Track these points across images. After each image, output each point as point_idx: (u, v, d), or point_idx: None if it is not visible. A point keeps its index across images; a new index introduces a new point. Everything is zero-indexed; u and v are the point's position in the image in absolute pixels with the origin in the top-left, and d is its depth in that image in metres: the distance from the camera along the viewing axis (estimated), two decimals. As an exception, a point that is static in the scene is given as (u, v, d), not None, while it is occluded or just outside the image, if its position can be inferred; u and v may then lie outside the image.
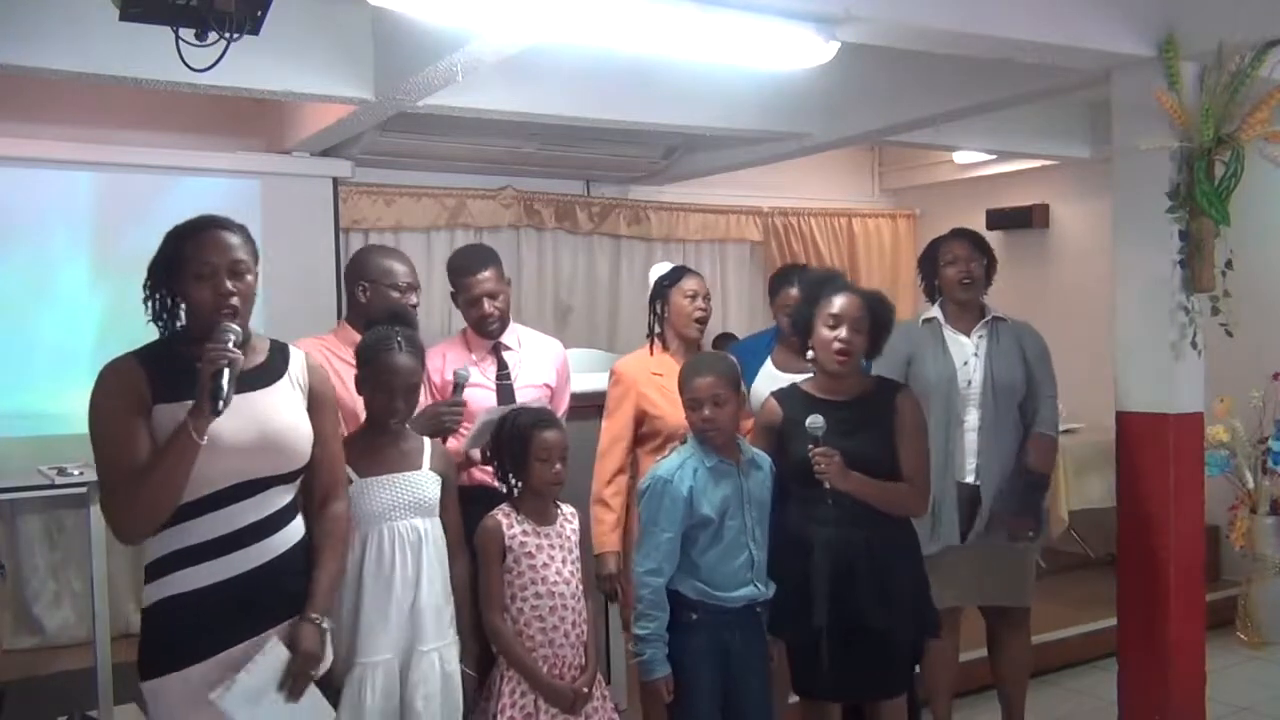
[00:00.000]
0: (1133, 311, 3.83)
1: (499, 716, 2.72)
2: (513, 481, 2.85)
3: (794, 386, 3.11)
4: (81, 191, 5.07)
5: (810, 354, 3.05)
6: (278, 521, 2.23)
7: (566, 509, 2.91)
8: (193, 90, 3.87)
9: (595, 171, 6.47)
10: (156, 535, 2.14)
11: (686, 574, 2.87)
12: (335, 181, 5.62)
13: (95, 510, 3.98)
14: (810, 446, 2.86)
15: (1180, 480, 3.71)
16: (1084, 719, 4.29)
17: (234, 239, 2.19)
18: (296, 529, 2.28)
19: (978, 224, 6.06)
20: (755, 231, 7.14)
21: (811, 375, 3.11)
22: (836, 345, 2.95)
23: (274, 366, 2.28)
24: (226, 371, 2.06)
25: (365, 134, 5.10)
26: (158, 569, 2.15)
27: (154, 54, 2.82)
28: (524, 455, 2.79)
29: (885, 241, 7.54)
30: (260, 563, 2.18)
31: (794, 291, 3.56)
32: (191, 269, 2.15)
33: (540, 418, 2.86)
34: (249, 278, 2.20)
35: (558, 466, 2.80)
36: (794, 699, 3.15)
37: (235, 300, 2.16)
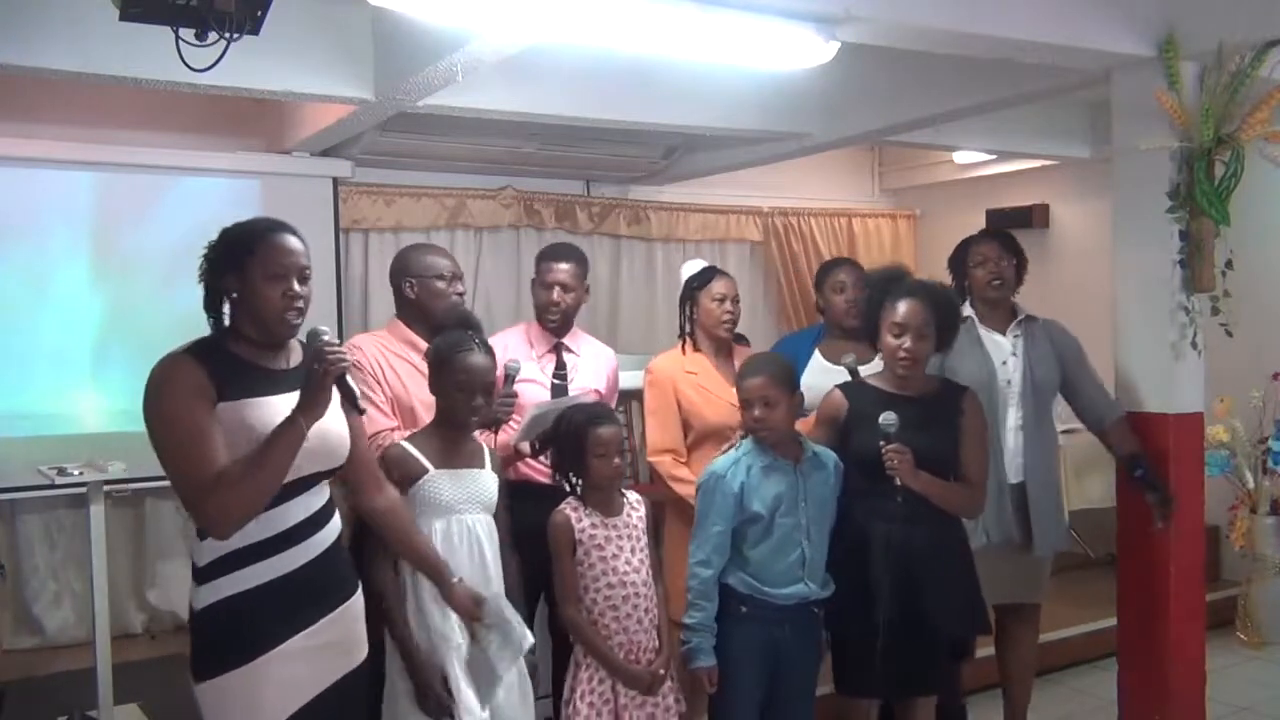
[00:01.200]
0: (1133, 311, 3.83)
1: (579, 703, 2.82)
2: (574, 479, 2.93)
3: (861, 380, 3.17)
4: (81, 191, 5.06)
5: (849, 355, 3.17)
6: (324, 516, 2.31)
7: (633, 497, 3.00)
8: (193, 90, 3.86)
9: (595, 171, 6.47)
10: (205, 538, 2.18)
11: (737, 567, 2.91)
12: (335, 181, 5.62)
13: (95, 510, 3.98)
14: (882, 443, 2.88)
15: (1180, 480, 3.71)
16: (1084, 719, 4.29)
17: (300, 245, 2.26)
18: (337, 523, 2.36)
19: (978, 224, 6.06)
20: (755, 231, 7.14)
21: (847, 370, 3.18)
22: (902, 355, 2.99)
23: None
24: (348, 374, 2.19)
25: (365, 134, 5.10)
26: (213, 571, 2.18)
27: (154, 54, 2.82)
28: (581, 452, 2.88)
29: (885, 241, 7.53)
30: (312, 556, 2.25)
31: (842, 276, 3.72)
32: (264, 269, 2.19)
33: (594, 414, 2.94)
34: (310, 284, 2.26)
35: (616, 460, 2.88)
36: (821, 691, 3.14)
37: (302, 303, 2.22)
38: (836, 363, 3.49)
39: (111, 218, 5.06)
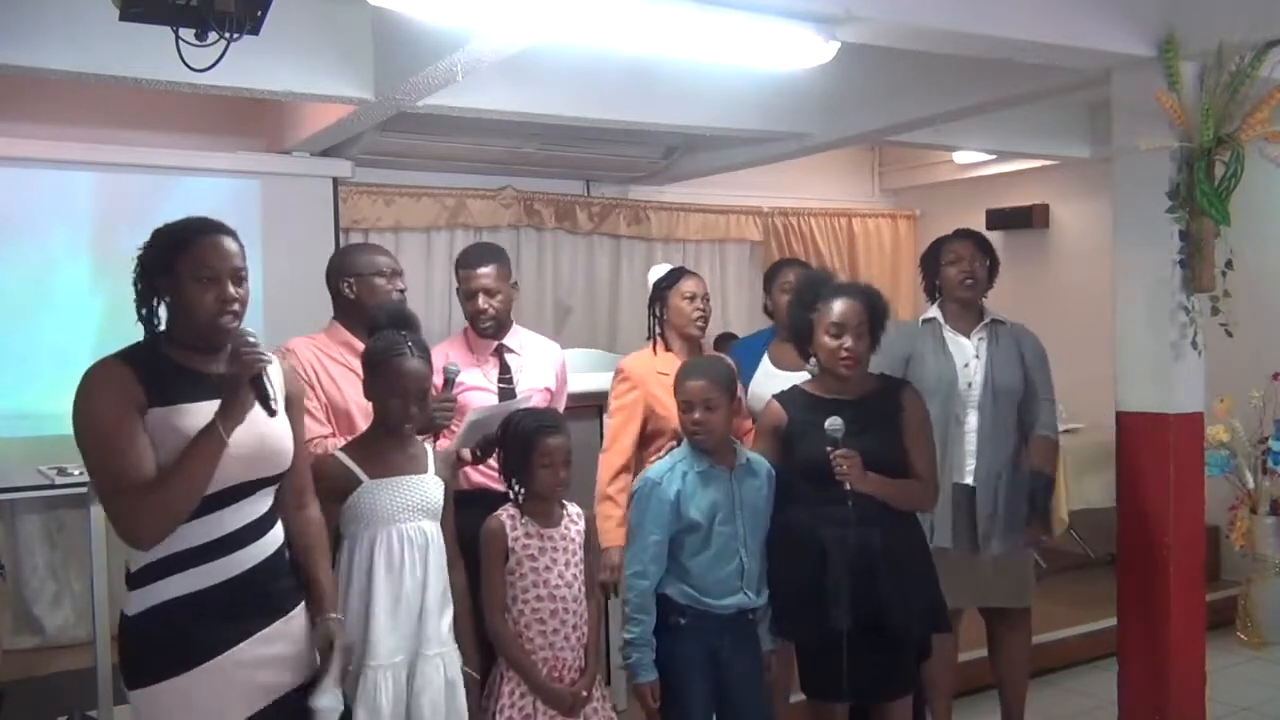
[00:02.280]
0: (1133, 311, 3.83)
1: (498, 716, 2.72)
2: (515, 486, 2.83)
3: (795, 388, 3.09)
4: (81, 191, 5.07)
5: (811, 359, 3.04)
6: (265, 525, 2.23)
7: (573, 510, 2.91)
8: (193, 90, 3.86)
9: (595, 171, 6.47)
10: None
11: (676, 578, 2.86)
12: (335, 181, 5.62)
13: (95, 510, 3.97)
14: (830, 449, 2.83)
15: (1180, 480, 3.71)
16: (1084, 719, 4.29)
17: (234, 246, 2.18)
18: (279, 532, 2.28)
19: (978, 224, 6.06)
20: (755, 231, 7.14)
21: (810, 375, 3.11)
22: (843, 354, 2.94)
23: None
24: (264, 375, 2.10)
25: (365, 134, 5.10)
26: (146, 575, 2.11)
27: (154, 54, 2.81)
28: (527, 460, 2.78)
29: (885, 241, 7.54)
30: (250, 565, 2.17)
31: (790, 277, 3.65)
32: (193, 272, 2.12)
33: (543, 422, 2.84)
34: (246, 285, 2.19)
35: (562, 473, 2.79)
36: (794, 699, 3.14)
37: (237, 306, 2.15)
38: (783, 368, 3.45)
39: (111, 218, 5.06)
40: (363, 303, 3.04)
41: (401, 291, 3.12)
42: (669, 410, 3.31)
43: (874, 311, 2.99)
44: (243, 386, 2.07)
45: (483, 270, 3.28)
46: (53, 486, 4.01)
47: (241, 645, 2.15)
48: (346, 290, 3.10)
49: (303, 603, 2.31)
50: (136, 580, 2.12)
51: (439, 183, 6.04)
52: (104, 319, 5.01)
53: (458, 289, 3.38)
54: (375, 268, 3.10)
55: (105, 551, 4.01)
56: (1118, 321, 3.88)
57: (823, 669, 2.92)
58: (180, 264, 2.13)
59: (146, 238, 2.21)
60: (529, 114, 4.60)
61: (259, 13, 2.47)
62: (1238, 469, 5.24)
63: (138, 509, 2.04)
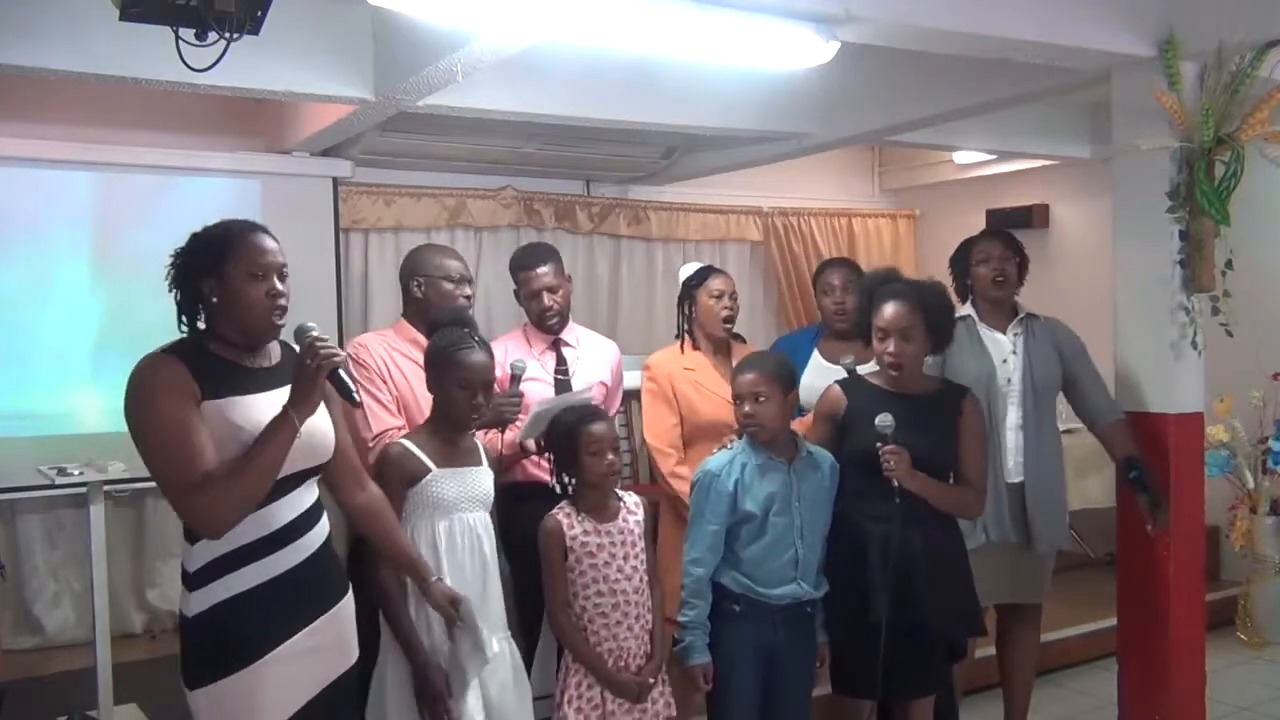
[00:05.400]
0: (1133, 311, 3.83)
1: (567, 707, 2.79)
2: (566, 480, 2.89)
3: (859, 376, 3.15)
4: (81, 191, 5.06)
5: (849, 355, 3.18)
6: (314, 515, 2.29)
7: (630, 499, 2.96)
8: (193, 90, 3.86)
9: (595, 171, 6.47)
10: (196, 543, 2.16)
11: (730, 566, 2.91)
12: (335, 181, 5.62)
13: (95, 510, 3.98)
14: (879, 444, 2.87)
15: (1180, 480, 3.71)
16: (1084, 719, 4.29)
17: (276, 244, 2.25)
18: (325, 522, 2.34)
19: (978, 224, 6.07)
20: (755, 231, 7.14)
21: (845, 370, 3.19)
22: (887, 359, 3.00)
23: (291, 365, 2.29)
24: (344, 368, 2.18)
25: (365, 134, 5.10)
26: (206, 575, 2.15)
27: (154, 54, 2.81)
28: (574, 452, 2.84)
29: (885, 241, 7.53)
30: (304, 557, 2.23)
31: (831, 279, 3.78)
32: (247, 269, 2.17)
33: (584, 413, 2.91)
34: (289, 281, 2.25)
35: (610, 458, 2.85)
36: (818, 692, 3.14)
37: (284, 301, 2.21)
38: (834, 362, 3.49)
39: (111, 218, 5.06)
40: (429, 303, 3.18)
41: (468, 298, 3.25)
42: (695, 405, 3.42)
43: (929, 311, 3.02)
44: (319, 379, 2.13)
45: (542, 269, 3.41)
46: (53, 486, 4.01)
47: (298, 636, 2.21)
48: (416, 289, 3.24)
49: (349, 590, 2.38)
50: (196, 580, 2.16)
51: (439, 183, 6.04)
52: (104, 319, 5.01)
53: (516, 291, 3.49)
54: (445, 271, 3.24)
55: (105, 551, 4.02)
56: (1118, 321, 3.88)
57: (856, 666, 2.96)
58: (230, 264, 2.17)
59: (183, 244, 2.25)
60: (529, 114, 4.60)
61: (259, 13, 2.48)
62: (1238, 469, 5.24)
63: (213, 498, 2.06)
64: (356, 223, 5.80)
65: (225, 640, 2.15)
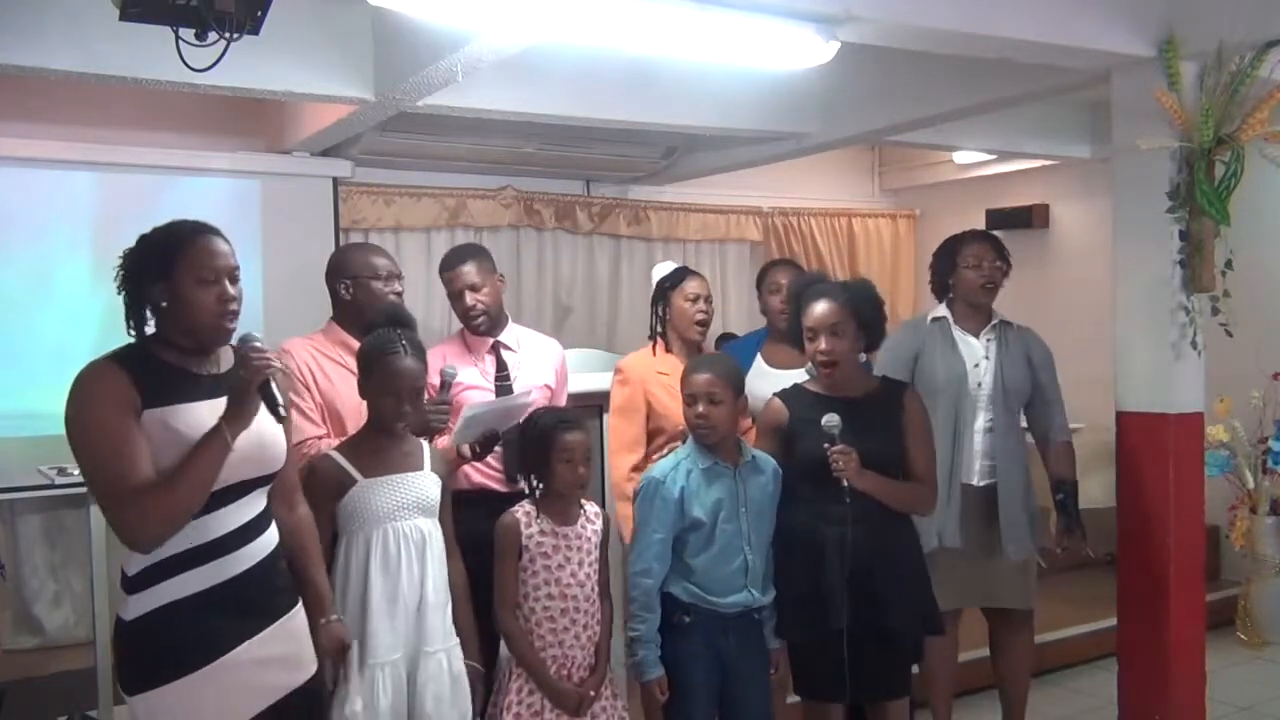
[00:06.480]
0: (1133, 311, 3.83)
1: (506, 713, 2.73)
2: (534, 482, 2.84)
3: (798, 386, 3.10)
4: (81, 191, 5.06)
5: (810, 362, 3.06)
6: (261, 524, 2.23)
7: (591, 509, 2.90)
8: (193, 90, 3.86)
9: (595, 171, 6.46)
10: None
11: (680, 576, 2.86)
12: (335, 181, 5.62)
13: (95, 510, 3.96)
14: (827, 445, 2.84)
15: (1180, 480, 3.71)
16: (1084, 719, 4.29)
17: (227, 246, 2.19)
18: (274, 532, 2.28)
19: (978, 224, 6.07)
20: (755, 231, 7.14)
21: (808, 374, 3.11)
22: (820, 357, 2.96)
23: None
24: (272, 380, 2.11)
25: (365, 134, 5.10)
26: (145, 579, 2.10)
27: (154, 54, 2.82)
28: (546, 456, 2.78)
29: (885, 241, 7.54)
30: (249, 565, 2.17)
31: (778, 277, 3.71)
32: (194, 274, 2.12)
33: (562, 419, 2.85)
34: (240, 284, 2.20)
35: (581, 469, 2.79)
36: (792, 699, 3.13)
37: (235, 305, 2.15)
38: (777, 366, 3.45)
39: (112, 218, 5.05)
40: (359, 304, 3.04)
41: (399, 294, 3.11)
42: (667, 409, 3.32)
43: (857, 309, 2.98)
44: (251, 392, 2.08)
45: (463, 269, 3.28)
46: (53, 486, 4.01)
47: (241, 647, 2.14)
48: (344, 291, 3.10)
49: (300, 603, 2.32)
50: (135, 584, 2.11)
51: (439, 183, 6.04)
52: (104, 319, 4.99)
53: (447, 294, 3.37)
54: (373, 269, 3.10)
55: (105, 551, 4.01)
56: (1118, 321, 3.88)
57: (820, 669, 2.92)
58: (179, 267, 2.12)
59: (131, 245, 2.20)
60: (529, 114, 4.60)
61: (259, 13, 2.48)
62: (1238, 469, 5.24)
63: (142, 511, 2.02)
64: (356, 223, 5.80)
65: (161, 647, 2.09)
